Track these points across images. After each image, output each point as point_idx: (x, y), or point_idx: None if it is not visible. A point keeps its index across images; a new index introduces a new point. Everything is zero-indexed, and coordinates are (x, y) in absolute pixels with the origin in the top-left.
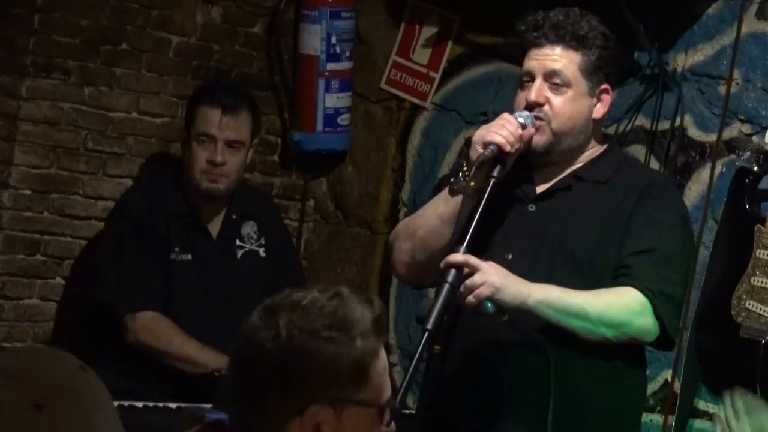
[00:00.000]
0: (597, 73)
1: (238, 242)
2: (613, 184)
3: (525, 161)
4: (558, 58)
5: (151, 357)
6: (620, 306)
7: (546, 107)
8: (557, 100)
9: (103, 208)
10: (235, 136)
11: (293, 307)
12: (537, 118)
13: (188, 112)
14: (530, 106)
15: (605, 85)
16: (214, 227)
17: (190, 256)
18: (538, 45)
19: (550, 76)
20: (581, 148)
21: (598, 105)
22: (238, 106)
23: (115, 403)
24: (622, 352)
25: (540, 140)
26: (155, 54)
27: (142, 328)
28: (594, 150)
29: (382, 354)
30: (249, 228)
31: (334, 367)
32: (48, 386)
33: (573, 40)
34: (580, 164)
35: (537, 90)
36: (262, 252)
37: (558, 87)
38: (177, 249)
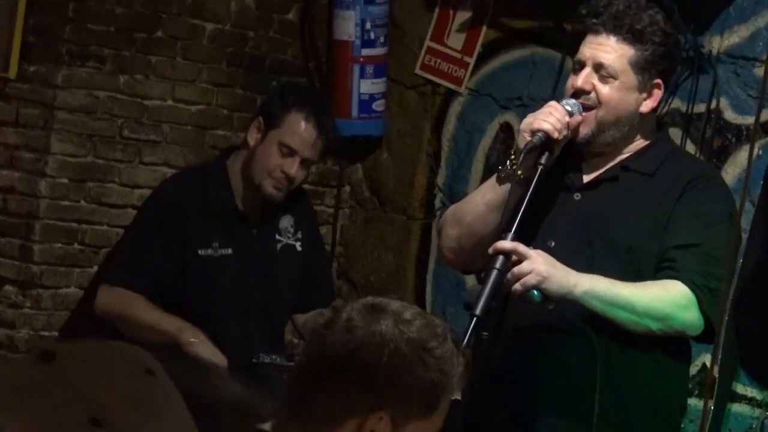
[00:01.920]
0: (649, 69)
1: (276, 236)
2: (660, 176)
3: (574, 149)
4: (610, 49)
5: (119, 329)
6: (666, 299)
7: (592, 95)
8: (604, 90)
9: (139, 196)
10: (313, 156)
11: (397, 316)
12: (584, 106)
13: (276, 111)
14: (576, 93)
15: (657, 80)
16: (255, 221)
17: (230, 251)
18: (595, 32)
19: (599, 67)
20: (625, 140)
21: (648, 100)
22: (331, 131)
23: None
24: (666, 345)
25: (582, 130)
26: (190, 41)
27: (106, 296)
28: (641, 141)
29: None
30: (286, 222)
31: (417, 386)
32: (107, 397)
33: (629, 33)
34: (628, 154)
35: (584, 77)
36: (298, 246)
37: (605, 77)
38: (216, 244)
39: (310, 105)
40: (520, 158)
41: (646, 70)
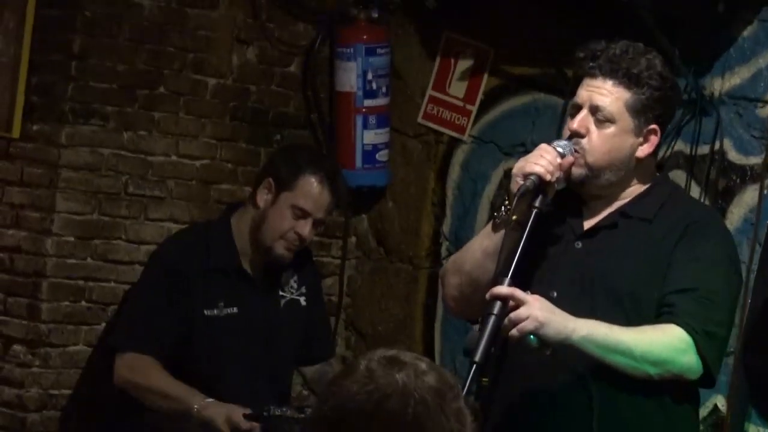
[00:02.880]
0: (646, 113)
1: (280, 292)
2: (659, 221)
3: (575, 196)
4: (607, 92)
5: (138, 397)
6: (664, 344)
7: (584, 140)
8: (596, 134)
9: (145, 252)
10: (325, 216)
11: (415, 367)
12: (575, 150)
13: (288, 173)
14: (572, 136)
15: (654, 126)
16: (259, 278)
17: (236, 309)
18: (592, 75)
19: (595, 110)
20: (622, 184)
21: (644, 145)
22: (344, 192)
23: None
24: (671, 388)
25: (576, 171)
26: (193, 97)
27: (123, 365)
28: (639, 185)
29: None
30: (290, 277)
31: None
32: None
33: (625, 77)
34: (627, 199)
35: (580, 121)
36: (303, 301)
37: (601, 122)
38: (221, 303)
39: (322, 166)
40: (514, 202)
41: (642, 113)
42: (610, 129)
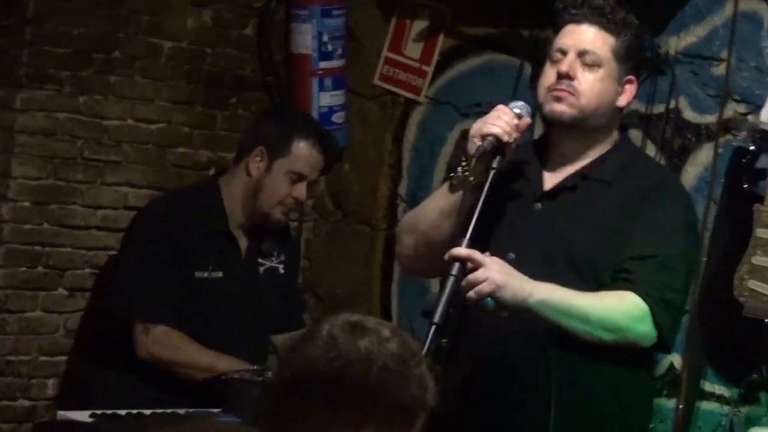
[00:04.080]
0: (627, 60)
1: (260, 259)
2: (619, 184)
3: (537, 155)
4: (593, 37)
5: (166, 369)
6: (620, 311)
7: (575, 82)
8: (588, 77)
9: (102, 216)
10: (318, 176)
11: (378, 333)
12: (565, 90)
13: (279, 139)
14: (560, 78)
15: (631, 76)
16: (243, 244)
17: (221, 274)
18: (576, 22)
19: (583, 53)
20: (603, 133)
21: (623, 94)
22: (334, 148)
23: (123, 412)
24: (627, 352)
25: (567, 112)
26: (148, 60)
27: (154, 342)
28: (606, 144)
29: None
30: (270, 245)
31: (402, 401)
32: None
33: (611, 23)
34: (589, 160)
35: (569, 63)
36: (281, 269)
37: (589, 66)
38: (210, 267)
39: (312, 128)
40: (472, 163)
41: (625, 60)
42: (599, 72)
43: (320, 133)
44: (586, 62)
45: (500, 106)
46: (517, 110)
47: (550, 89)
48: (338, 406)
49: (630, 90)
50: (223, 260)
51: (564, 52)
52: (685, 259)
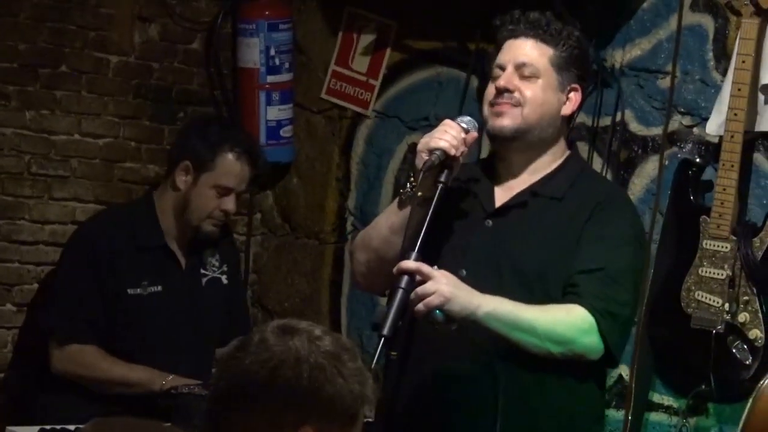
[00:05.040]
0: (568, 70)
1: (202, 270)
2: (569, 200)
3: (488, 171)
4: (530, 50)
5: (79, 383)
6: (567, 324)
7: (516, 94)
8: (528, 88)
9: (50, 232)
10: (247, 188)
11: (309, 333)
12: (506, 103)
13: (205, 152)
14: (500, 92)
15: (575, 85)
16: (182, 257)
17: (160, 288)
18: (514, 37)
19: (520, 66)
20: (548, 144)
21: (567, 103)
22: (262, 160)
23: (72, 427)
24: (575, 366)
25: (509, 124)
26: (95, 75)
27: (67, 359)
28: (555, 156)
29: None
30: (211, 256)
31: (338, 397)
32: None
33: (547, 35)
34: (539, 177)
35: (507, 77)
36: (224, 279)
37: (528, 77)
38: (146, 282)
39: (237, 140)
40: (419, 178)
41: (565, 70)
42: (538, 83)
43: (246, 144)
44: (524, 74)
45: (447, 121)
46: (464, 125)
47: (492, 105)
48: (273, 409)
49: (575, 98)
50: (162, 274)
51: (503, 68)
52: (633, 272)
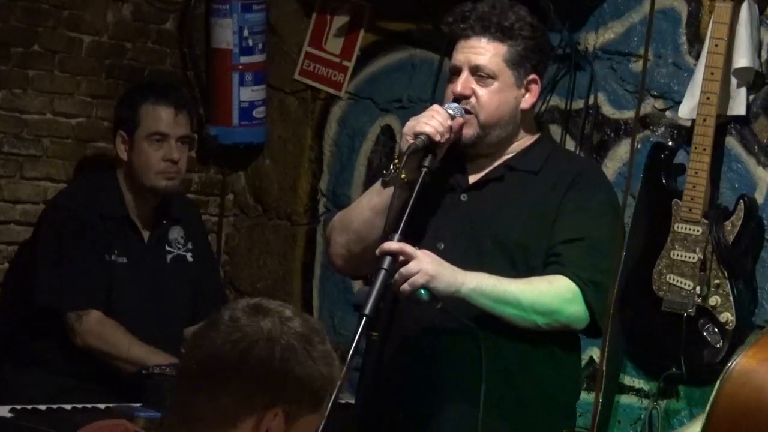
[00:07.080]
0: (524, 64)
1: (167, 247)
2: (545, 174)
3: (458, 152)
4: (483, 50)
5: (100, 359)
6: (552, 294)
7: (473, 99)
8: (483, 92)
9: (21, 211)
10: (186, 131)
11: (279, 314)
12: (465, 110)
13: (128, 114)
14: (457, 99)
15: (533, 76)
16: (146, 231)
17: (125, 259)
18: (465, 37)
19: (475, 69)
20: (510, 139)
21: (527, 95)
22: (185, 101)
23: (43, 407)
24: (557, 339)
25: (468, 132)
26: (68, 54)
27: (89, 331)
28: (525, 140)
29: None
30: (176, 233)
31: (308, 380)
32: None
33: (498, 32)
34: (512, 154)
35: (463, 83)
36: (189, 257)
37: (483, 79)
38: (115, 251)
39: (151, 89)
40: (404, 161)
41: (521, 65)
42: (494, 85)
43: (162, 90)
44: (480, 76)
45: (435, 106)
46: (450, 111)
47: None
48: (244, 389)
49: (534, 90)
50: (126, 246)
51: (458, 71)
52: (612, 241)
